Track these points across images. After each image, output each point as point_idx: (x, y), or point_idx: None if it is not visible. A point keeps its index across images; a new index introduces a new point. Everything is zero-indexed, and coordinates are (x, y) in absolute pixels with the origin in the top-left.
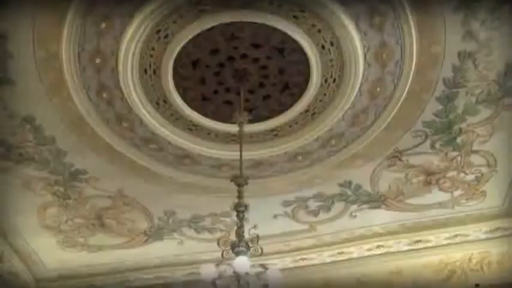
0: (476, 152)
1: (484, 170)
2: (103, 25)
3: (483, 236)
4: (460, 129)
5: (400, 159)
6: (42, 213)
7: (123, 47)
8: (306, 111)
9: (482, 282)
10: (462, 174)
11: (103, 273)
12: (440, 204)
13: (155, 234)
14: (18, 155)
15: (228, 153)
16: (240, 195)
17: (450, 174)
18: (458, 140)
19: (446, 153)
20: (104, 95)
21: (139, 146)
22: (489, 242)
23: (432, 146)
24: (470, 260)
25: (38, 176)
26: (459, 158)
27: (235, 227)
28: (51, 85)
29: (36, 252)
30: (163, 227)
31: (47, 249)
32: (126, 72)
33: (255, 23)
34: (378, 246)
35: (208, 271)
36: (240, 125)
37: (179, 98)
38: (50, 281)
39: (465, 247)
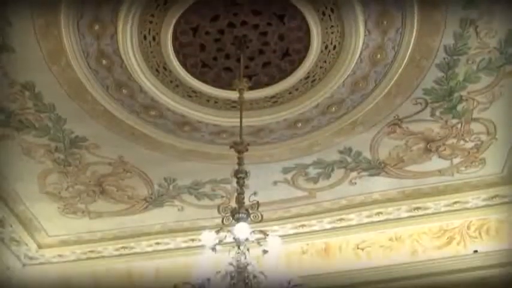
0: (476, 119)
1: (483, 137)
2: None
3: (482, 203)
4: (461, 96)
5: (400, 127)
6: (43, 180)
7: (122, 14)
8: (306, 78)
9: (481, 248)
10: (462, 142)
11: (104, 240)
12: (440, 172)
13: (155, 201)
14: (18, 122)
15: (228, 120)
16: (240, 162)
17: (450, 141)
18: (459, 107)
19: (446, 121)
20: (104, 62)
21: (139, 113)
22: (488, 209)
23: (432, 114)
24: (469, 227)
25: (38, 143)
26: (459, 126)
27: (236, 194)
28: (51, 52)
29: (37, 219)
30: (163, 194)
31: (48, 216)
32: (126, 39)
33: None
34: (378, 213)
35: (209, 238)
36: (240, 91)
37: (179, 64)
38: (51, 247)
39: (464, 214)
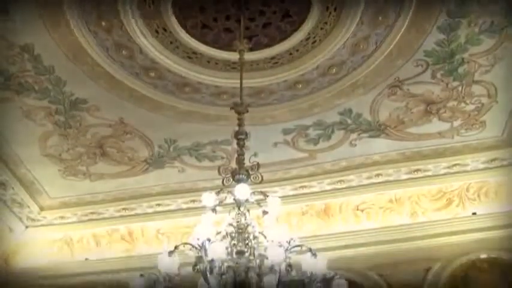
0: (477, 82)
1: (484, 100)
2: None
3: (481, 166)
4: (462, 59)
5: (400, 89)
6: (43, 142)
7: None
8: (307, 39)
9: (480, 211)
10: (462, 104)
11: (105, 202)
12: (440, 134)
13: (156, 162)
14: (18, 85)
15: (228, 81)
16: (240, 123)
17: (450, 104)
18: (460, 69)
19: (447, 83)
20: (103, 23)
21: (139, 75)
22: (487, 172)
23: (433, 76)
24: (468, 189)
25: (39, 105)
26: (460, 88)
27: (236, 155)
28: (50, 15)
29: (39, 181)
30: (163, 155)
31: (49, 178)
32: (125, 1)
33: None
34: (377, 175)
35: (209, 199)
36: (240, 52)
37: (179, 26)
38: (53, 208)
39: (463, 176)
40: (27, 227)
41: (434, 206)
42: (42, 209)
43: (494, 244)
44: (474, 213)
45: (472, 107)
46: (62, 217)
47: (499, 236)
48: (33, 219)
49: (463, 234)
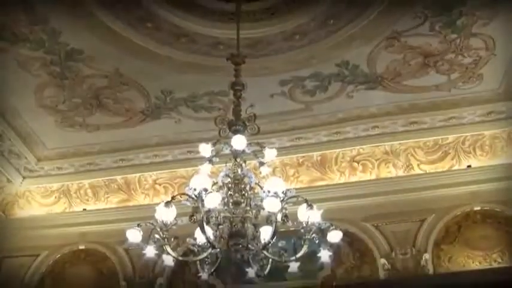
0: (475, 35)
1: (482, 53)
2: None
3: (477, 119)
4: (461, 11)
5: (398, 41)
6: (40, 93)
7: None
8: None
9: (474, 163)
10: (460, 57)
11: (102, 152)
12: (437, 87)
13: (153, 113)
14: (12, 35)
15: (225, 31)
16: (237, 74)
17: (448, 56)
18: (458, 22)
19: (445, 36)
20: None
21: (135, 25)
22: (483, 125)
23: (431, 28)
24: (463, 142)
25: (34, 56)
26: (458, 41)
27: (232, 106)
28: None
29: (35, 132)
30: (160, 106)
31: (46, 129)
32: None
33: None
34: (374, 127)
35: (206, 150)
36: (237, 3)
37: None
38: (50, 159)
39: (459, 129)
40: (24, 178)
41: (430, 158)
42: (39, 160)
43: (488, 197)
44: (469, 166)
45: (469, 60)
46: (59, 168)
47: (493, 188)
48: (30, 170)
49: (458, 186)
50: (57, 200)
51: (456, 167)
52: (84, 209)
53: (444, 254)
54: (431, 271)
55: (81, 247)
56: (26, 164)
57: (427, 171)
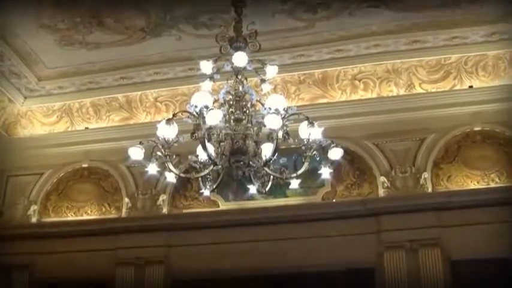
0: None
1: None
2: None
3: (481, 39)
4: None
5: None
6: (38, 12)
7: None
8: None
9: (476, 84)
10: None
11: (103, 71)
12: (441, 5)
13: (153, 31)
14: None
15: None
16: None
17: None
18: None
19: None
20: None
21: None
22: (486, 46)
23: None
24: (466, 62)
25: None
26: None
27: (234, 23)
28: None
29: (35, 52)
30: (160, 24)
31: (46, 48)
32: None
33: None
34: (376, 45)
35: (207, 67)
36: None
37: None
38: (51, 79)
39: (462, 49)
40: (26, 97)
41: (432, 77)
42: (40, 79)
43: (489, 117)
44: (471, 87)
45: None
46: (60, 87)
47: (494, 109)
48: (31, 90)
49: (459, 106)
50: (59, 119)
51: (458, 87)
52: (87, 128)
53: (443, 173)
54: (430, 190)
55: (85, 165)
56: (27, 83)
57: (429, 91)
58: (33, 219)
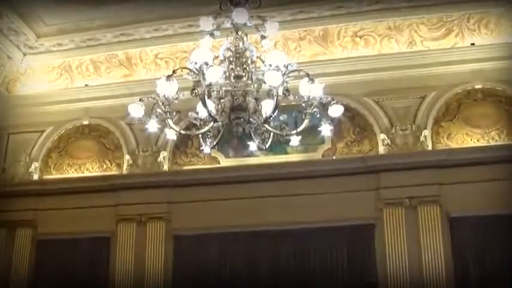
0: None
1: None
2: None
3: None
4: None
5: None
6: None
7: None
8: None
9: (478, 41)
10: None
11: (102, 27)
12: None
13: None
14: None
15: None
16: None
17: None
18: None
19: None
20: None
21: None
22: (489, 2)
23: None
24: (468, 19)
25: None
26: None
27: None
28: None
29: (34, 9)
30: None
31: (44, 5)
32: None
33: None
34: (377, 2)
35: (207, 23)
36: None
37: None
38: (50, 35)
39: (464, 6)
40: (25, 54)
41: (433, 35)
42: (39, 36)
43: (490, 75)
44: (473, 44)
45: None
46: (59, 44)
47: (495, 67)
48: (30, 47)
49: (460, 64)
50: (59, 76)
51: (459, 45)
52: (86, 85)
53: (443, 130)
54: (430, 147)
55: (85, 122)
56: (26, 40)
57: (430, 48)
58: (35, 177)
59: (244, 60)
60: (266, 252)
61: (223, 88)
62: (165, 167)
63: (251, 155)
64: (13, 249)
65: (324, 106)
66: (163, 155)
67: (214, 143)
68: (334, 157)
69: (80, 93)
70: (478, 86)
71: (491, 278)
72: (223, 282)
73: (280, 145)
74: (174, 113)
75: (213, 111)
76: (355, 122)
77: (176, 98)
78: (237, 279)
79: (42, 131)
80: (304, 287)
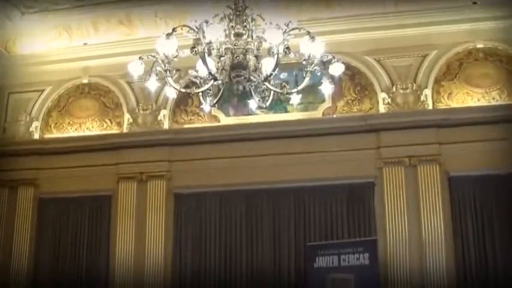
0: None
1: None
2: None
3: None
4: None
5: None
6: None
7: None
8: None
9: (480, 0)
10: None
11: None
12: None
13: None
14: None
15: None
16: None
17: None
18: None
19: None
20: None
21: None
22: None
23: None
24: None
25: None
26: None
27: None
28: None
29: None
30: None
31: None
32: None
33: None
34: None
35: None
36: None
37: None
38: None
39: None
40: (23, 13)
41: None
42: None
43: (491, 34)
44: (474, 3)
45: None
46: (57, 3)
47: (497, 26)
48: (29, 6)
49: (462, 23)
50: (58, 36)
51: (461, 3)
52: (85, 44)
53: (444, 90)
54: (430, 106)
55: (85, 81)
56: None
57: (431, 6)
58: (36, 136)
59: (244, 18)
60: (266, 210)
61: (223, 46)
62: (165, 125)
63: (251, 113)
64: (15, 208)
65: (324, 64)
66: (164, 113)
67: (215, 101)
68: (334, 116)
69: (79, 52)
70: (479, 46)
71: (489, 236)
72: (223, 239)
73: (280, 103)
74: (174, 71)
75: (213, 69)
76: (355, 81)
77: (176, 56)
78: (237, 236)
79: (42, 90)
80: (303, 245)
